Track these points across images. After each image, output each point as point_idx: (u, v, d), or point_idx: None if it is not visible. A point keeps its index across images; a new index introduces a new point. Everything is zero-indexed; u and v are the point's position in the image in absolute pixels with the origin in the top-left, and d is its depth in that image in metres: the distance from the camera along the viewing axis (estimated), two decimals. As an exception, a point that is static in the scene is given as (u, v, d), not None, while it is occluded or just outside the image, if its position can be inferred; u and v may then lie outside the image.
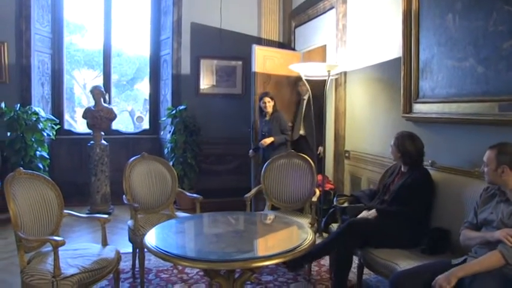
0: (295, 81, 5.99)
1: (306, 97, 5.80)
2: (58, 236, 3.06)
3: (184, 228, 3.22)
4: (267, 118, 5.52)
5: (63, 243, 2.68)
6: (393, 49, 4.12)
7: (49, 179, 3.24)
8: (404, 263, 2.79)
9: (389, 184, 3.54)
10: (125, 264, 4.00)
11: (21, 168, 3.08)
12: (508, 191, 2.51)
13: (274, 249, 2.77)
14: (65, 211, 3.24)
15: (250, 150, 5.92)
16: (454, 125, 3.42)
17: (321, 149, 5.39)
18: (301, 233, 2.95)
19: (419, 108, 3.80)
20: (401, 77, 3.91)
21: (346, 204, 3.79)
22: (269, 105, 5.47)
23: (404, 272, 2.58)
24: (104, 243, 3.21)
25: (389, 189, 3.51)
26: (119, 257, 3.11)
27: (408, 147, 3.36)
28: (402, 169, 3.49)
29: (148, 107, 7.91)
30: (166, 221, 3.26)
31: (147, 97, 8.02)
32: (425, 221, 3.25)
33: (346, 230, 3.21)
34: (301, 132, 5.94)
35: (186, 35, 6.80)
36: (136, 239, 3.60)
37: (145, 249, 2.85)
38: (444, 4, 3.45)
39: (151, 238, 2.77)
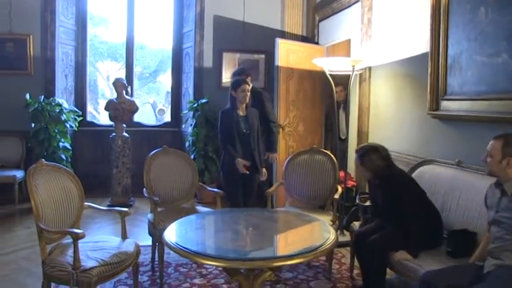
0: (323, 80, 5.86)
1: (342, 102, 5.70)
2: (78, 228, 3.07)
3: (204, 224, 3.19)
4: (243, 114, 4.26)
5: (82, 236, 2.68)
6: (420, 44, 4.00)
7: (70, 170, 3.26)
8: (430, 266, 2.71)
9: (374, 196, 3.43)
10: (144, 257, 4.00)
11: (43, 160, 3.10)
12: (507, 184, 2.42)
13: (295, 248, 2.70)
14: (85, 203, 3.26)
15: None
16: (484, 123, 3.30)
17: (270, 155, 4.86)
18: (323, 232, 2.88)
19: (447, 105, 3.69)
20: (428, 73, 3.80)
21: (368, 203, 3.72)
22: (249, 94, 4.25)
23: (435, 271, 2.50)
24: (124, 236, 3.21)
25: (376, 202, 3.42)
26: (138, 250, 3.11)
27: (375, 162, 3.19)
28: (376, 181, 3.33)
29: (170, 99, 7.92)
30: (186, 216, 3.22)
31: (169, 90, 8.02)
32: (433, 214, 3.14)
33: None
34: (343, 136, 5.83)
35: (208, 28, 6.76)
36: (156, 232, 3.59)
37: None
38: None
39: (171, 234, 2.74)
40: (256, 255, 2.53)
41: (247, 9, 6.77)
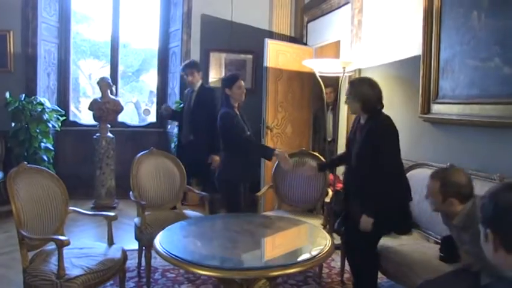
0: (311, 81, 5.81)
1: (331, 104, 5.67)
2: (62, 233, 2.96)
3: (196, 231, 3.06)
4: (238, 113, 3.93)
5: (67, 244, 2.57)
6: (411, 47, 3.97)
7: (53, 173, 3.13)
8: (425, 272, 2.67)
9: (352, 141, 3.24)
10: (130, 263, 3.85)
11: (25, 162, 2.97)
12: (456, 219, 2.39)
13: (293, 257, 2.59)
14: (70, 208, 3.14)
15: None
16: (475, 127, 3.28)
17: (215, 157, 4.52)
18: (319, 239, 2.80)
19: (438, 108, 3.66)
20: (420, 76, 3.77)
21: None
22: (245, 91, 3.94)
23: (432, 281, 2.45)
24: (110, 242, 3.09)
25: (351, 149, 3.21)
26: (125, 256, 3.00)
27: (366, 92, 3.02)
28: (361, 120, 3.14)
29: (154, 99, 7.78)
30: (177, 222, 3.09)
31: (153, 89, 7.88)
32: (404, 187, 3.08)
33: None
34: (329, 138, 5.78)
35: (196, 27, 6.64)
36: (143, 237, 3.50)
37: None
38: (469, 1, 3.30)
39: (162, 241, 2.61)
40: (253, 265, 2.44)
41: (235, 8, 6.68)
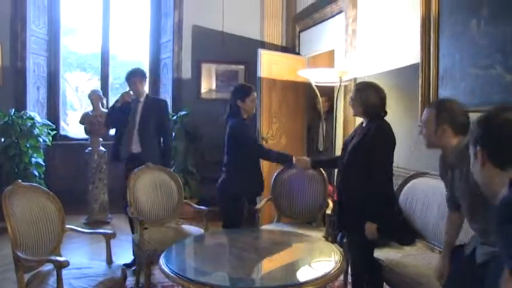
0: (305, 91, 5.77)
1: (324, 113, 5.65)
2: (59, 253, 2.86)
3: (202, 249, 2.96)
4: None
5: (67, 265, 2.46)
6: (409, 55, 3.95)
7: (49, 191, 3.02)
8: (431, 285, 2.60)
9: (347, 143, 3.22)
10: (127, 280, 3.78)
11: (19, 180, 2.87)
12: (449, 153, 2.27)
13: (306, 275, 2.47)
14: (67, 226, 3.03)
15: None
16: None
17: None
18: (331, 254, 2.70)
19: (439, 117, 3.63)
20: (419, 84, 3.75)
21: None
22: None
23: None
24: (109, 260, 3.00)
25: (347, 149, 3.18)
26: (124, 275, 2.90)
27: (371, 97, 3.02)
28: (363, 124, 3.15)
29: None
30: (177, 239, 2.99)
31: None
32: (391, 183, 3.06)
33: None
34: (321, 148, 5.73)
35: (187, 38, 6.60)
36: (141, 254, 3.39)
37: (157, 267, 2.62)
38: (468, 9, 3.29)
39: (168, 261, 2.48)
40: (266, 284, 2.35)
41: (226, 19, 6.64)
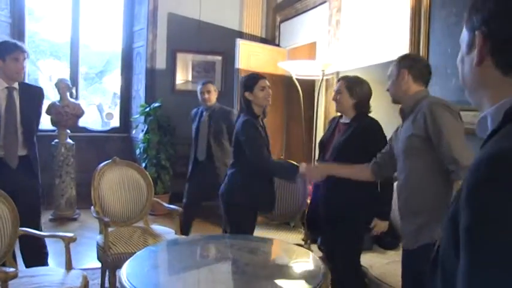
0: (286, 84, 5.55)
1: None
2: (11, 261, 2.55)
3: (171, 260, 2.62)
4: (261, 123, 3.18)
5: (14, 276, 2.17)
6: (397, 48, 3.74)
7: (2, 191, 2.71)
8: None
9: (328, 142, 2.98)
10: (92, 283, 3.49)
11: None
12: (406, 107, 2.24)
13: None
14: (21, 229, 2.73)
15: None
16: (467, 135, 3.06)
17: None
18: (313, 266, 2.42)
19: (427, 115, 3.45)
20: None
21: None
22: (270, 92, 3.12)
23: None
24: (69, 266, 2.71)
25: (328, 148, 2.93)
26: (86, 283, 2.62)
27: (365, 91, 2.91)
28: (342, 120, 2.95)
29: (117, 101, 7.34)
30: (145, 248, 2.64)
31: (116, 91, 7.44)
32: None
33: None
34: None
35: (162, 27, 6.28)
36: (106, 258, 3.11)
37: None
38: (462, 1, 3.10)
39: (130, 276, 2.10)
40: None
41: (203, 7, 6.34)
